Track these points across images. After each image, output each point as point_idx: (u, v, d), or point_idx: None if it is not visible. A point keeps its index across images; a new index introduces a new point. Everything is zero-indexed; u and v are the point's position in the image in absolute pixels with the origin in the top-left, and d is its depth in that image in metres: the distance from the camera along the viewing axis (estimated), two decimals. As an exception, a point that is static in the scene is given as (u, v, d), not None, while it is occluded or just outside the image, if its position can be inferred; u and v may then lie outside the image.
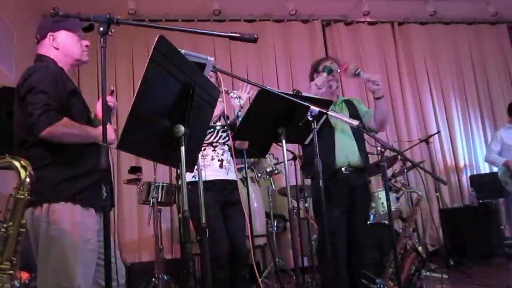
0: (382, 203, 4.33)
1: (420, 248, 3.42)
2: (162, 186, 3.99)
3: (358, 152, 2.85)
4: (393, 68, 6.51)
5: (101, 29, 1.56)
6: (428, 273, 4.20)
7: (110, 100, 1.95)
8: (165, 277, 3.86)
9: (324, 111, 1.95)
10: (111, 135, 1.69)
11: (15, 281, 1.27)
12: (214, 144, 2.83)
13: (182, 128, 1.43)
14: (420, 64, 6.59)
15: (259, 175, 4.16)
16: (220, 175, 2.78)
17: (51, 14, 1.71)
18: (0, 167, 1.33)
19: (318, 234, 2.81)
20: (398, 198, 4.51)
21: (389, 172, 4.88)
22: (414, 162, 3.32)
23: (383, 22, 6.66)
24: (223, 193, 2.76)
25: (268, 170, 4.17)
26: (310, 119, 1.98)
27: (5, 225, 1.31)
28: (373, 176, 4.82)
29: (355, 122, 1.91)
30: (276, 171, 4.25)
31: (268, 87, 2.19)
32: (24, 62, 4.61)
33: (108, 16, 1.55)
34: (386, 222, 4.29)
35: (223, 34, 1.46)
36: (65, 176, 1.78)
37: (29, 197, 1.37)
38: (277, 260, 4.13)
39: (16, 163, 1.35)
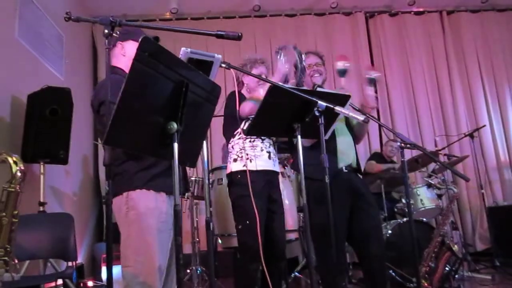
0: (421, 200, 4.20)
1: (455, 247, 3.28)
2: (197, 181, 4.10)
3: (354, 152, 2.81)
4: (441, 60, 6.24)
5: (106, 31, 1.65)
6: (470, 273, 4.03)
7: None
8: (199, 269, 3.97)
9: (331, 105, 1.92)
10: None
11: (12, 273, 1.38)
12: (262, 137, 2.88)
13: (175, 125, 1.47)
14: (471, 55, 6.25)
15: (292, 170, 4.15)
16: (269, 165, 2.84)
17: (65, 18, 1.82)
18: (-2, 161, 1.46)
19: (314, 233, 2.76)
20: (439, 195, 4.33)
21: (430, 168, 4.72)
22: (437, 159, 3.17)
23: (430, 12, 6.39)
24: (270, 185, 2.82)
25: (299, 165, 4.16)
26: (317, 114, 1.96)
27: (-3, 215, 1.44)
28: (412, 172, 4.68)
29: (361, 117, 1.87)
30: (310, 166, 4.22)
31: (279, 83, 2.19)
32: (72, 63, 4.91)
33: (111, 18, 1.62)
34: (425, 219, 4.15)
35: (208, 32, 1.48)
36: (139, 168, 1.96)
37: (19, 190, 1.48)
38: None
39: (10, 159, 1.47)
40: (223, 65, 2.16)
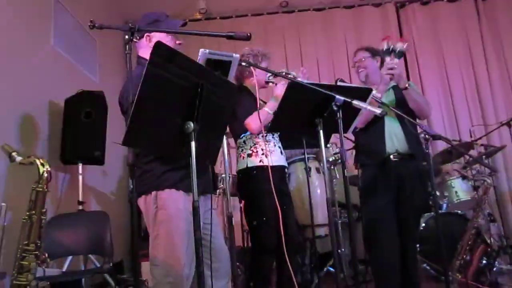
0: (456, 192, 4.10)
1: (490, 240, 3.20)
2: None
3: (405, 138, 2.75)
4: (477, 47, 6.02)
5: (126, 37, 1.73)
6: (510, 266, 3.90)
7: None
8: (232, 264, 4.04)
9: (348, 99, 1.93)
10: None
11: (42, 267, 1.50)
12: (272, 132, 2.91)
13: (191, 125, 1.53)
14: (509, 40, 6.00)
15: (322, 164, 4.16)
16: (282, 161, 2.89)
17: (89, 26, 1.91)
18: (27, 163, 1.57)
19: (364, 224, 2.77)
20: (475, 187, 4.21)
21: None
22: (463, 150, 3.09)
23: (464, -2, 6.18)
24: (281, 180, 2.87)
25: (330, 159, 4.16)
26: (335, 108, 1.97)
27: (27, 213, 1.55)
28: (445, 164, 4.57)
29: (378, 110, 1.87)
30: (339, 161, 4.21)
31: (299, 79, 2.21)
32: (106, 66, 5.09)
33: (129, 25, 1.70)
34: (460, 211, 4.06)
35: (217, 33, 1.53)
36: (168, 167, 1.96)
37: (46, 190, 1.59)
38: (343, 250, 4.13)
39: (37, 161, 1.58)
40: (243, 63, 2.21)
